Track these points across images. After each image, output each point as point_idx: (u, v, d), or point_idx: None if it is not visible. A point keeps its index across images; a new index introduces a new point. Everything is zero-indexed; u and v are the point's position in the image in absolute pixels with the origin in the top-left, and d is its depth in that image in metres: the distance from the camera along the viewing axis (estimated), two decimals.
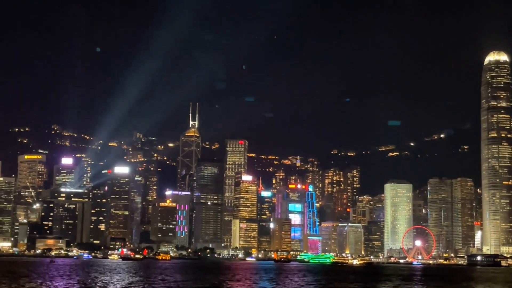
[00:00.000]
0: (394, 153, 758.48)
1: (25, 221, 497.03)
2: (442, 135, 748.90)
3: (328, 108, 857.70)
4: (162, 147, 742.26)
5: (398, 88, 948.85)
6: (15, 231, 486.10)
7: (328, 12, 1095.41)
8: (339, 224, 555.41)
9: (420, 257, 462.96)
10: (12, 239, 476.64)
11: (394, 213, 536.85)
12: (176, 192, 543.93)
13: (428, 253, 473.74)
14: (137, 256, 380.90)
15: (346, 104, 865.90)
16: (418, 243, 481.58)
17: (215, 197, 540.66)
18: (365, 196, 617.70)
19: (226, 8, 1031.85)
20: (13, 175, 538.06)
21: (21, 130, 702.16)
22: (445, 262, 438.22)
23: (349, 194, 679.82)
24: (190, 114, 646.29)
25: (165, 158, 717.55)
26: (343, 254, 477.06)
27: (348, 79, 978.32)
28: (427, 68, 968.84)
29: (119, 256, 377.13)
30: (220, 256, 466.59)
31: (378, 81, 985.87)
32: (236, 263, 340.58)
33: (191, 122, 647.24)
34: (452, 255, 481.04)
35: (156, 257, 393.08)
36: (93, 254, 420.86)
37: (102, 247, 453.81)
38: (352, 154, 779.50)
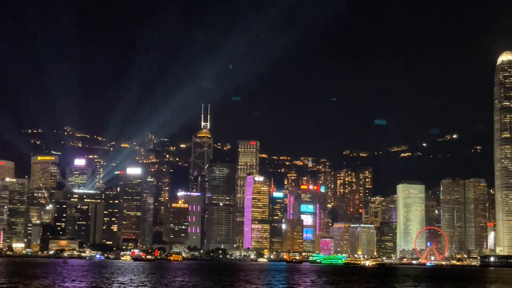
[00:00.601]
0: (407, 154, 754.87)
1: (38, 222, 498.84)
2: (454, 136, 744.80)
3: (335, 108, 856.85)
4: (174, 148, 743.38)
5: (407, 89, 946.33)
6: (28, 232, 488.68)
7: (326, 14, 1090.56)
8: (351, 225, 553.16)
9: (433, 258, 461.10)
10: (25, 240, 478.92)
11: (406, 214, 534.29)
12: (188, 193, 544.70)
13: (441, 254, 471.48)
14: (148, 257, 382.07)
15: (354, 105, 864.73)
16: (431, 244, 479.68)
17: (227, 198, 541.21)
18: (377, 197, 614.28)
19: (223, 9, 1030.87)
20: (26, 176, 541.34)
21: (34, 131, 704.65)
22: (458, 263, 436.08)
23: (361, 195, 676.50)
24: (202, 115, 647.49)
25: (177, 159, 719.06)
26: (356, 255, 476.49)
27: (357, 79, 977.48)
28: (437, 68, 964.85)
29: (130, 257, 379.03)
30: (232, 257, 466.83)
31: (385, 82, 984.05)
32: (248, 264, 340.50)
33: (203, 123, 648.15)
34: (465, 256, 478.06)
35: (168, 258, 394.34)
36: (105, 255, 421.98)
37: (115, 248, 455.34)
38: (364, 155, 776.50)
